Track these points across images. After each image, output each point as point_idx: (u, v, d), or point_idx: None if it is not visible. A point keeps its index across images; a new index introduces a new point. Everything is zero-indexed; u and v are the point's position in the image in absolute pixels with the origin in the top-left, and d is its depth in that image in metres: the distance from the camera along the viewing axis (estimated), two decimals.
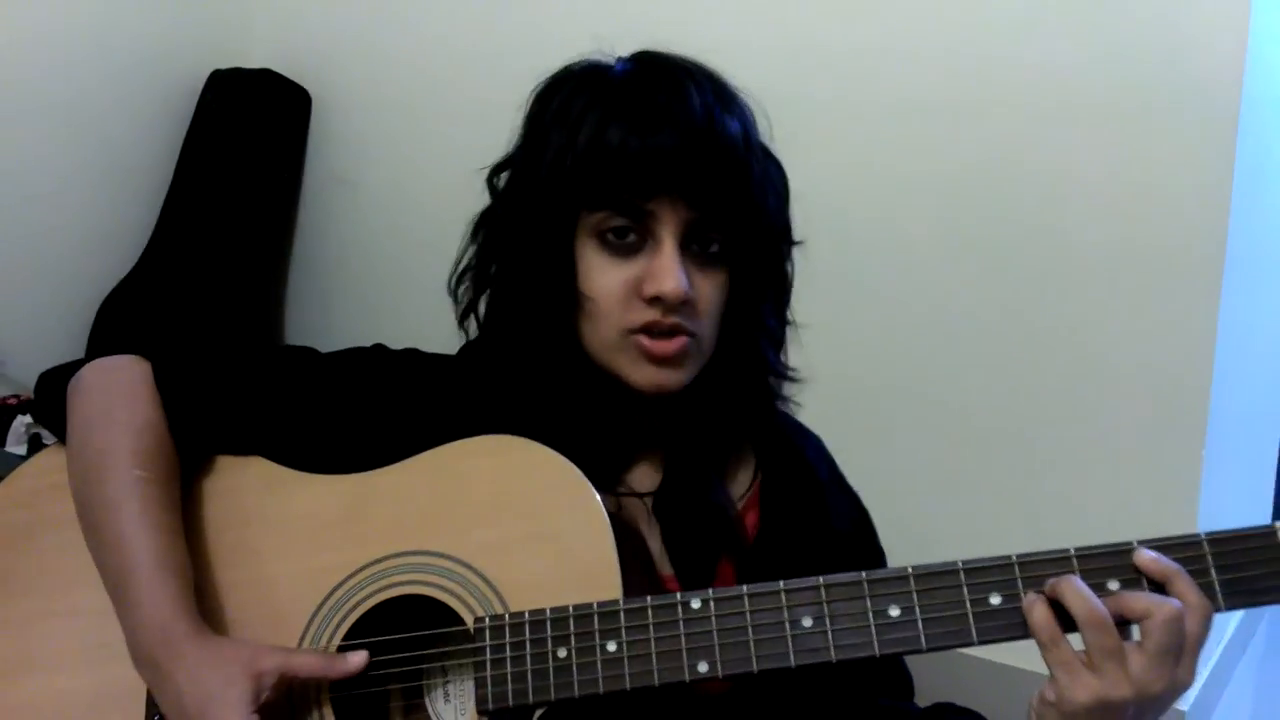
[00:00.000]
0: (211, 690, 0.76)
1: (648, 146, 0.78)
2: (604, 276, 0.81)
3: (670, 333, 0.80)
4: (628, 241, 0.80)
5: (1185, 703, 1.77)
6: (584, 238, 0.81)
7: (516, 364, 0.84)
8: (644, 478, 0.89)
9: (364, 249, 2.52)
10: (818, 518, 0.90)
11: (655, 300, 0.80)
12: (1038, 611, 0.70)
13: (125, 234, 2.42)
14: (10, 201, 2.21)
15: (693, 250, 0.81)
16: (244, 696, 0.76)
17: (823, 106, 1.86)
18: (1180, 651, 0.68)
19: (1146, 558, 0.71)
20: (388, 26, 2.42)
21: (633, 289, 0.80)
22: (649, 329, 0.80)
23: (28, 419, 1.99)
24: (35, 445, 1.98)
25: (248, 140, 2.46)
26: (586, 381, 0.84)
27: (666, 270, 0.79)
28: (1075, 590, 0.69)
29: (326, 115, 2.53)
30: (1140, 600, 0.69)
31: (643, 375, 0.81)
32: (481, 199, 0.90)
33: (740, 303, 0.85)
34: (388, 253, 2.48)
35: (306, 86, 2.52)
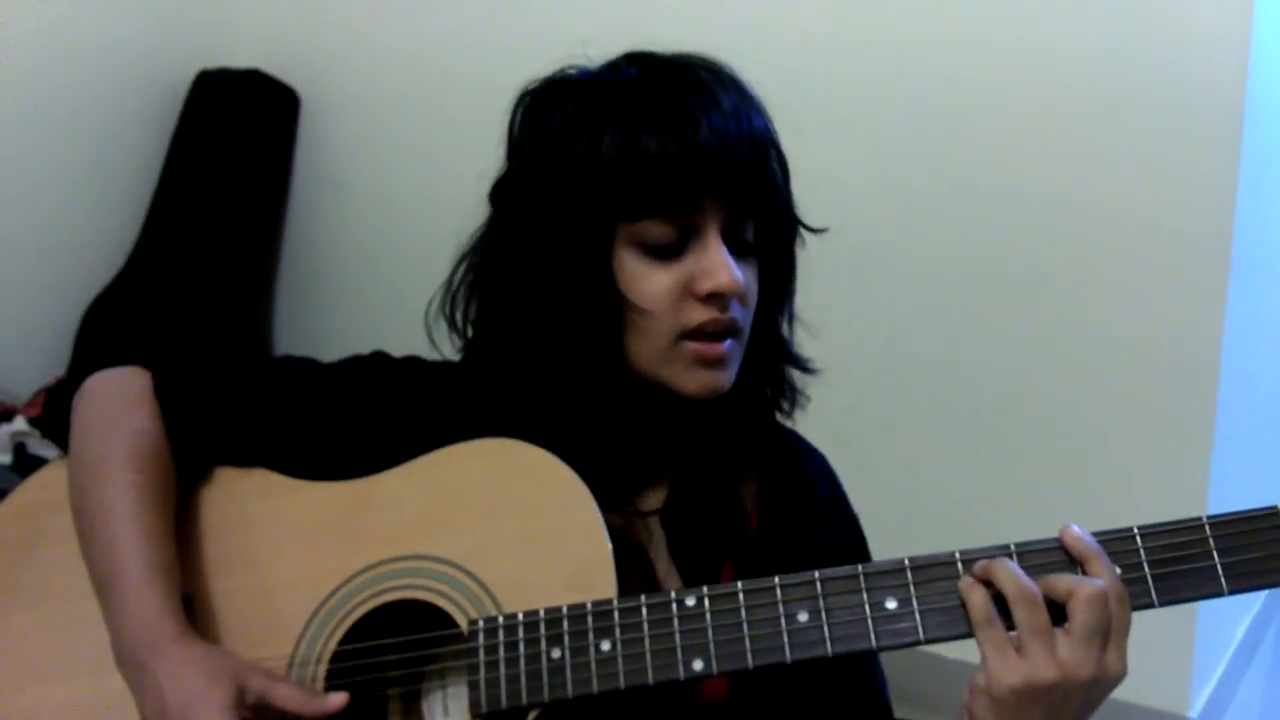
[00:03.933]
0: (195, 690, 0.76)
1: (689, 149, 0.78)
2: (650, 284, 0.80)
3: (720, 335, 0.81)
4: (670, 245, 0.80)
5: (1193, 709, 1.77)
6: (622, 248, 0.81)
7: (547, 381, 0.83)
8: (651, 500, 0.89)
9: (353, 251, 2.52)
10: (809, 534, 0.91)
11: (711, 298, 0.80)
12: (976, 594, 0.71)
13: (111, 238, 2.40)
14: None
15: (730, 243, 0.82)
16: (227, 698, 0.76)
17: (830, 103, 1.86)
18: (1107, 634, 0.69)
19: (1071, 535, 0.72)
20: (377, 27, 2.41)
21: (683, 290, 0.80)
22: (703, 329, 0.80)
23: (12, 427, 1.99)
24: (20, 454, 1.98)
25: (235, 141, 2.45)
26: (624, 396, 0.84)
27: (720, 266, 0.79)
28: (1006, 571, 0.70)
29: (315, 116, 2.52)
30: (1064, 581, 0.70)
31: (695, 380, 0.81)
32: (472, 200, 0.89)
33: (769, 291, 0.87)
34: (377, 255, 2.47)
35: (295, 87, 2.51)
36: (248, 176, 2.47)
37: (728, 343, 0.82)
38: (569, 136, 0.81)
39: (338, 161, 2.51)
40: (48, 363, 2.30)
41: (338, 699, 0.78)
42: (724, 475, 0.90)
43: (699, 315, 0.80)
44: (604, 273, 0.81)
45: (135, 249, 2.44)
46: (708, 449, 0.89)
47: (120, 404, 0.88)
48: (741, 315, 0.82)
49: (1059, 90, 1.73)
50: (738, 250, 0.82)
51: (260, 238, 2.54)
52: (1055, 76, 1.73)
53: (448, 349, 0.90)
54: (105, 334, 2.34)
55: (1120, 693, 0.72)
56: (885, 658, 0.91)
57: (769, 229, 0.85)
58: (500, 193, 0.87)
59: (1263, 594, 2.18)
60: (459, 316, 0.88)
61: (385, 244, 2.45)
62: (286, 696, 0.78)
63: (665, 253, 0.80)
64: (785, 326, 0.90)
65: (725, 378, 0.82)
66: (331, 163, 2.52)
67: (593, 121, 0.80)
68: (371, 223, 2.49)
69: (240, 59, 2.50)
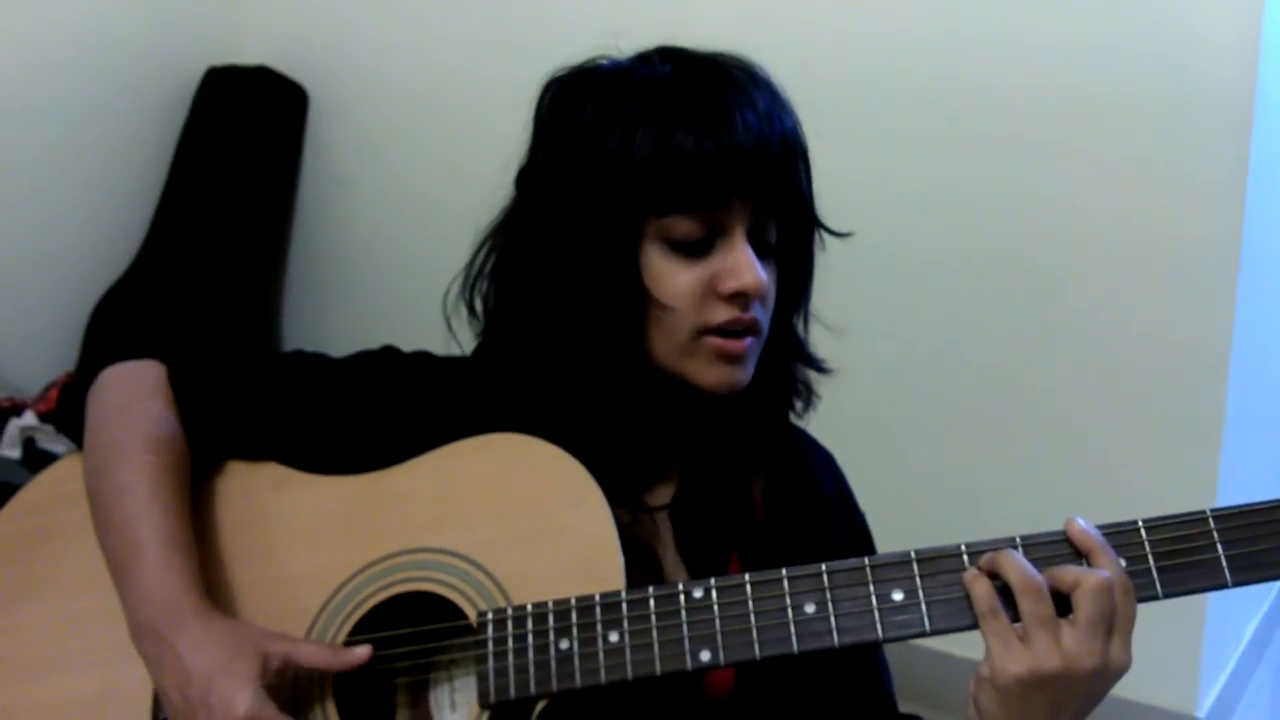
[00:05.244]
0: (218, 662, 0.76)
1: (724, 149, 0.78)
2: (675, 280, 0.80)
3: (741, 331, 0.81)
4: (697, 242, 0.80)
5: (1200, 709, 1.77)
6: (649, 243, 0.81)
7: (565, 369, 0.83)
8: (659, 496, 0.89)
9: (361, 249, 2.52)
10: (816, 529, 0.91)
11: (734, 297, 0.80)
12: (980, 585, 0.71)
13: (119, 235, 2.41)
14: (1, 201, 2.20)
15: (754, 243, 0.82)
16: (252, 670, 0.76)
17: (840, 104, 1.86)
18: (1112, 625, 0.69)
19: (1076, 528, 0.72)
20: (385, 24, 2.41)
21: (707, 288, 0.80)
22: (725, 327, 0.81)
23: (22, 422, 2.00)
24: (29, 448, 1.98)
25: (244, 139, 2.46)
26: (641, 388, 0.84)
27: (745, 266, 0.80)
28: (1012, 562, 0.71)
29: (323, 113, 2.53)
30: (1069, 572, 0.70)
31: (715, 375, 0.82)
32: (480, 196, 0.89)
33: (786, 291, 0.87)
34: (385, 253, 2.48)
35: (303, 84, 2.52)
36: (256, 173, 2.47)
37: (748, 340, 0.82)
38: (602, 127, 0.80)
39: (346, 158, 2.52)
40: (56, 358, 2.31)
41: (362, 651, 0.79)
42: (733, 471, 0.90)
43: (721, 314, 0.80)
44: (630, 266, 0.81)
45: (144, 245, 2.44)
46: (717, 445, 0.90)
47: (137, 392, 0.89)
48: (762, 315, 0.83)
49: (1068, 91, 1.73)
50: (760, 250, 0.82)
51: (268, 234, 2.54)
52: (1064, 77, 1.73)
53: (466, 336, 0.90)
54: (114, 330, 2.35)
55: (1128, 692, 0.72)
56: (893, 655, 0.92)
57: (791, 230, 0.85)
58: (527, 179, 0.87)
59: (1272, 593, 2.17)
60: (478, 302, 0.88)
61: (393, 240, 2.46)
62: (311, 654, 0.79)
63: (691, 250, 0.80)
64: (801, 326, 0.90)
65: (744, 374, 0.83)
66: (340, 160, 2.52)
67: (627, 114, 0.80)
68: (379, 219, 2.49)
69: (249, 56, 2.51)
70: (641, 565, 0.83)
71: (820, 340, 0.92)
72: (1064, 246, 1.78)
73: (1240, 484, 1.79)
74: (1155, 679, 1.72)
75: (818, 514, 0.92)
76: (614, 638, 0.74)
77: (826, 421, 0.97)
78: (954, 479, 1.91)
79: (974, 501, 1.87)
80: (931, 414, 1.92)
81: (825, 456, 0.97)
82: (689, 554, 0.87)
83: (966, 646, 0.76)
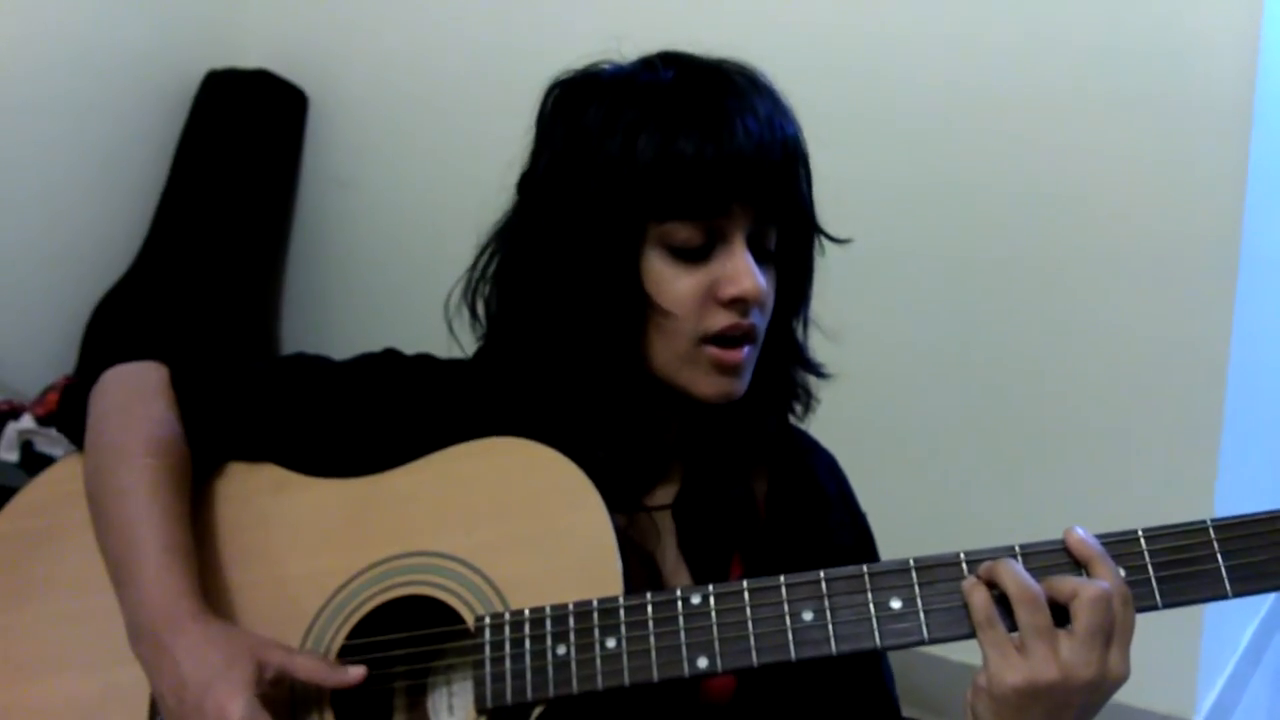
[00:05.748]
0: (215, 668, 0.76)
1: (724, 155, 0.79)
2: (676, 286, 0.81)
3: (739, 341, 0.81)
4: (697, 248, 0.81)
5: (1198, 713, 1.77)
6: (650, 248, 0.81)
7: (565, 374, 0.83)
8: (661, 497, 0.89)
9: (360, 251, 2.52)
10: (818, 531, 0.91)
11: (733, 303, 0.80)
12: (978, 594, 0.71)
13: (119, 237, 2.41)
14: (1, 204, 2.20)
15: (753, 249, 0.82)
16: (247, 677, 0.76)
17: (836, 108, 1.85)
18: (1110, 635, 0.69)
19: (1074, 537, 0.72)
20: (385, 27, 2.41)
21: (707, 294, 0.81)
22: (723, 335, 0.81)
23: (19, 425, 2.00)
24: (27, 452, 1.98)
25: (243, 141, 2.46)
26: (640, 395, 0.84)
27: (744, 272, 0.80)
28: (1010, 571, 0.70)
29: (323, 116, 2.53)
30: (1067, 582, 0.70)
31: (712, 385, 0.82)
32: (480, 201, 0.89)
33: (786, 297, 0.87)
34: (384, 255, 2.48)
35: (303, 87, 2.52)
36: (256, 176, 2.48)
37: (745, 349, 0.82)
38: (604, 132, 0.81)
39: (345, 161, 2.52)
40: (55, 361, 2.31)
41: (356, 671, 0.79)
42: (736, 471, 0.90)
43: (721, 320, 0.81)
44: (631, 272, 0.81)
45: (143, 248, 2.45)
46: (720, 445, 0.90)
47: (138, 394, 0.89)
48: (760, 322, 0.83)
49: (1067, 91, 1.73)
50: (760, 257, 0.82)
51: (268, 237, 2.54)
52: (1064, 78, 1.73)
53: (467, 339, 0.90)
54: (113, 333, 2.35)
55: (1125, 696, 0.72)
56: (893, 659, 0.92)
57: (791, 237, 0.85)
58: (529, 183, 0.87)
59: (1270, 597, 2.17)
60: (480, 305, 0.88)
61: (393, 243, 2.46)
62: (306, 667, 0.79)
63: (692, 256, 0.81)
64: (800, 331, 0.91)
65: (740, 384, 0.83)
66: (339, 162, 2.53)
67: (629, 120, 0.80)
68: (379, 222, 2.49)
69: (249, 59, 2.51)
70: (640, 568, 0.83)
71: (820, 343, 0.93)
72: (1063, 249, 1.78)
73: (1238, 487, 1.79)
74: (1153, 683, 1.72)
75: (820, 515, 0.92)
76: (611, 644, 0.74)
77: (827, 424, 0.97)
78: (952, 482, 1.91)
79: (972, 506, 1.87)
80: (929, 417, 1.92)
81: (827, 459, 0.97)
82: (691, 554, 0.87)
83: (964, 651, 0.76)
